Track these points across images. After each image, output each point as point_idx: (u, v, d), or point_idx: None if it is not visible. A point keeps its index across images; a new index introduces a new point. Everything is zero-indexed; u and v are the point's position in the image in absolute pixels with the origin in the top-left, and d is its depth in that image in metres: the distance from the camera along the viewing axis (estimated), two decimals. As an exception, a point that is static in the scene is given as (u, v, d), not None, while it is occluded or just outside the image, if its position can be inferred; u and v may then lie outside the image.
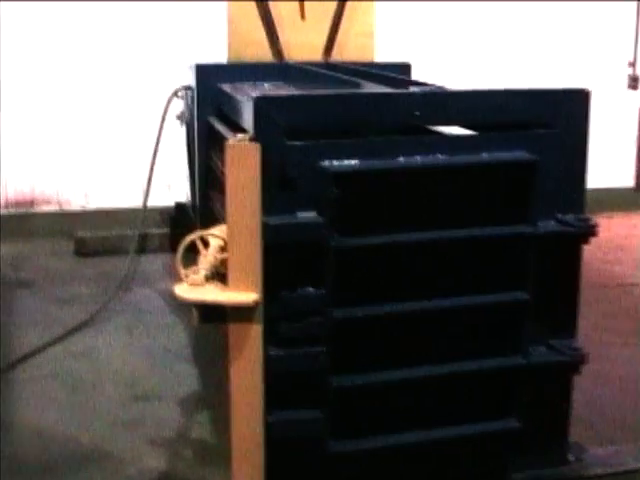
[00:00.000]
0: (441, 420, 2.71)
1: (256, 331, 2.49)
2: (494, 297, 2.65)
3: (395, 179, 2.53)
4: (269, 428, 2.55)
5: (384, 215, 2.55)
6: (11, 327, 4.34)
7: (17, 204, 6.03)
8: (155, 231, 5.44)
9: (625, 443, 3.16)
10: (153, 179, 5.76)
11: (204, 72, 3.89)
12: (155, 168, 4.90)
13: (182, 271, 2.90)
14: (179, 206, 5.60)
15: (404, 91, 2.60)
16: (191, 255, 2.90)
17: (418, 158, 2.52)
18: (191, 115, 4.50)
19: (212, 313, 2.71)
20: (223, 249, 2.94)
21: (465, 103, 2.61)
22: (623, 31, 6.81)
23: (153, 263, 5.26)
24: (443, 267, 2.61)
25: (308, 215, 2.50)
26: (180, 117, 4.91)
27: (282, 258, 2.47)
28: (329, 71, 3.89)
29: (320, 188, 2.49)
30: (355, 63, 4.06)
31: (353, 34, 4.14)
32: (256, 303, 2.45)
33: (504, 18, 6.44)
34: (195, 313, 2.64)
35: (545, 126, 2.65)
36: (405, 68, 4.06)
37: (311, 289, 2.52)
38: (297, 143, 2.48)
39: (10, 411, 3.52)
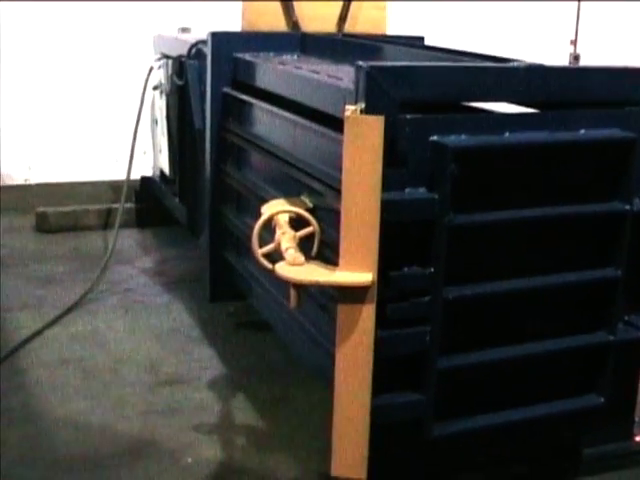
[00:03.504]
0: (530, 398, 2.69)
1: (368, 312, 2.38)
2: (589, 274, 2.64)
3: (507, 156, 2.47)
4: (372, 412, 2.46)
5: (492, 192, 2.49)
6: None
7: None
8: (116, 206, 5.16)
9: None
10: (102, 153, 5.56)
11: (219, 40, 3.69)
12: (135, 140, 4.67)
13: (259, 250, 2.78)
14: (144, 180, 5.35)
15: (517, 65, 2.53)
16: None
17: (528, 135, 2.48)
18: (175, 85, 4.31)
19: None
20: (290, 224, 2.84)
21: (565, 80, 2.58)
22: (564, 12, 6.97)
23: (123, 239, 5.00)
24: (544, 244, 2.58)
25: (420, 192, 2.42)
26: (158, 87, 4.69)
27: (391, 236, 2.37)
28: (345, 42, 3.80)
29: (431, 164, 2.40)
30: (368, 35, 3.96)
31: (365, 6, 4.03)
32: (372, 283, 2.35)
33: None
34: (295, 294, 2.51)
35: (633, 104, 2.65)
36: (418, 41, 3.99)
37: (419, 268, 2.44)
38: (413, 117, 2.38)
39: (29, 400, 3.27)
